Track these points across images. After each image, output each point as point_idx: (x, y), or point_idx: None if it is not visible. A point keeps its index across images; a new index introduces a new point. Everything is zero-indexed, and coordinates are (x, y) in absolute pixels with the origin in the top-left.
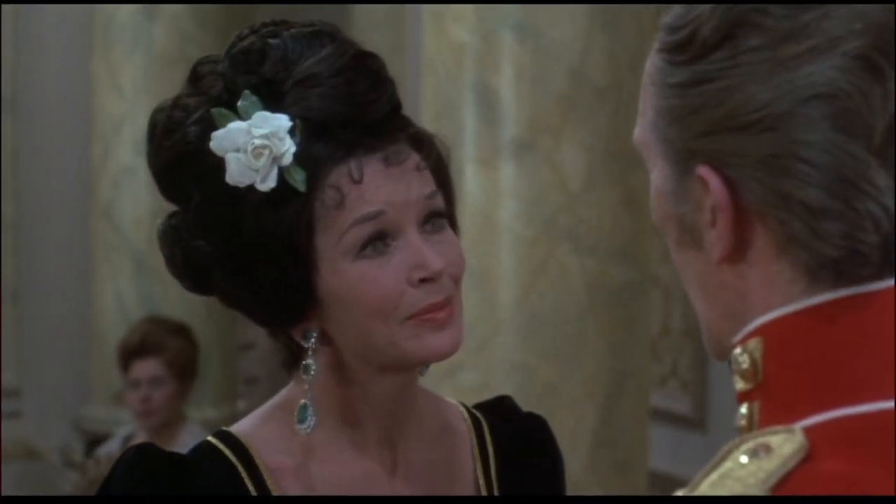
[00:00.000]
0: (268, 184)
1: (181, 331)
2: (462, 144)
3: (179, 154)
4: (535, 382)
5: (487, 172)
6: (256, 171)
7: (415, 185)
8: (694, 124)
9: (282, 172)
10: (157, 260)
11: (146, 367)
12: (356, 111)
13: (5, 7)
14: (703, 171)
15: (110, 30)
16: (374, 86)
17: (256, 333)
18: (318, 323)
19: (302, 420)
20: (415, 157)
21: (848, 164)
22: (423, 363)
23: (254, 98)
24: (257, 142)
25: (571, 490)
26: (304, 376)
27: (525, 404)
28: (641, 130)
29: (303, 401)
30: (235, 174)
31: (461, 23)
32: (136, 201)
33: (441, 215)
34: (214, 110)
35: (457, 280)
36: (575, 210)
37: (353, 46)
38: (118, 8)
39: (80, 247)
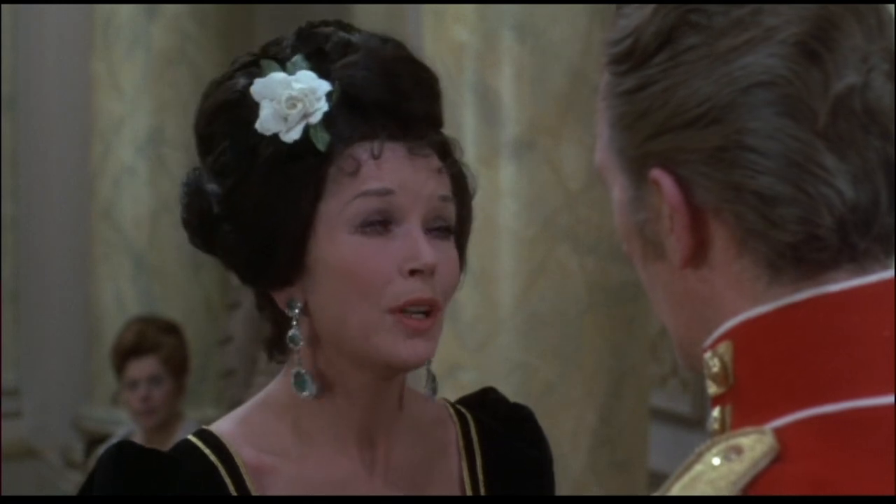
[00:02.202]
0: (291, 135)
1: (172, 329)
2: (462, 144)
3: (222, 102)
4: (535, 382)
5: (487, 172)
6: (285, 119)
7: (431, 182)
8: (643, 128)
9: (307, 129)
10: (157, 260)
11: (144, 366)
12: (394, 99)
13: (5, 7)
14: (656, 173)
15: (110, 29)
16: (417, 86)
17: (235, 327)
18: (301, 293)
19: (302, 387)
20: (438, 162)
21: (795, 149)
22: (388, 367)
23: (304, 61)
24: (294, 93)
25: (571, 490)
26: (291, 346)
27: (525, 403)
28: (600, 152)
29: (296, 369)
30: (265, 120)
31: (461, 22)
32: (136, 201)
33: (448, 229)
34: (263, 61)
35: (445, 293)
36: (575, 210)
37: (411, 55)
38: (118, 8)
39: (80, 247)
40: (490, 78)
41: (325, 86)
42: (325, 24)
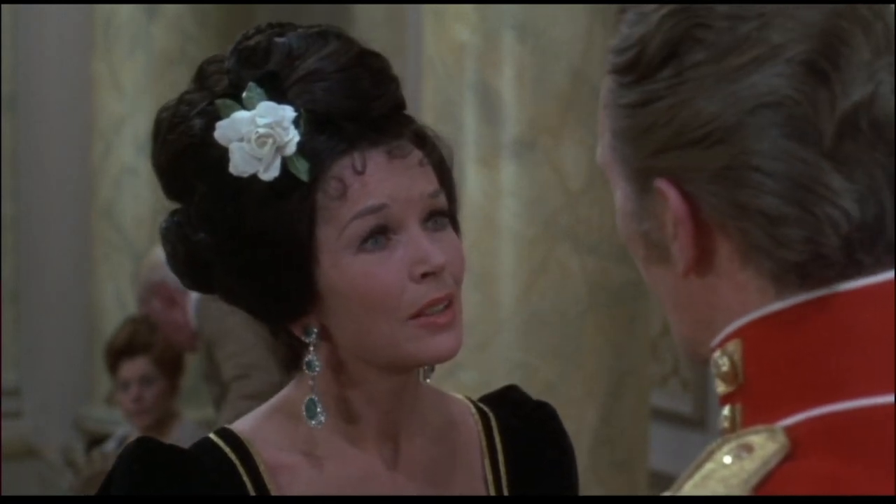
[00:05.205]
0: (271, 173)
1: None
2: (463, 144)
3: (184, 147)
4: (536, 382)
5: (488, 172)
6: (260, 160)
7: (418, 181)
8: (647, 143)
9: (285, 162)
10: None
11: (135, 367)
12: (360, 105)
13: (5, 7)
14: (661, 184)
15: (110, 29)
16: (378, 83)
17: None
18: (317, 319)
19: (312, 416)
20: (417, 154)
21: (801, 170)
22: (421, 365)
23: (258, 90)
24: (261, 130)
25: None
26: (308, 372)
27: None
28: (602, 152)
29: (309, 396)
30: (239, 164)
31: (462, 22)
32: (136, 201)
33: (443, 214)
34: (219, 101)
35: (457, 280)
36: (575, 209)
37: (358, 45)
38: (118, 8)
39: (80, 247)
40: (490, 78)
41: (288, 112)
42: (258, 30)
